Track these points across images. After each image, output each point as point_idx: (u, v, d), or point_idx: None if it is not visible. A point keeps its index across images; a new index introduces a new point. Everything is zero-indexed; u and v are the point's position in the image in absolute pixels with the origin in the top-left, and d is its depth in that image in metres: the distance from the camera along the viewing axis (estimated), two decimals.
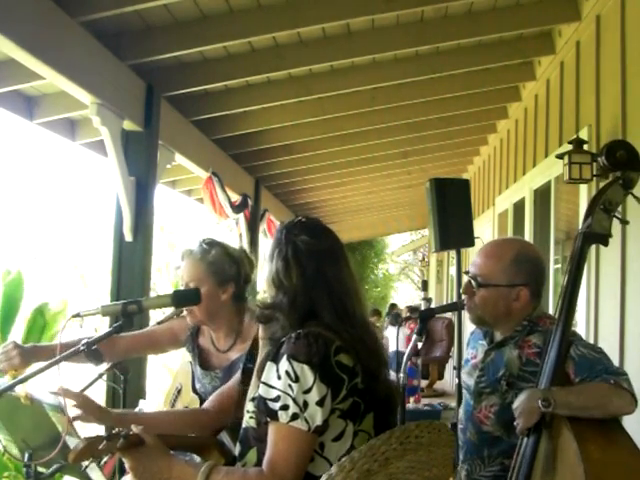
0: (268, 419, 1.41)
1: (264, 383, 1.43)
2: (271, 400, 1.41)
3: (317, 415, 1.37)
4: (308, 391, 1.38)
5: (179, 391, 2.45)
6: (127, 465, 1.49)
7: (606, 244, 1.93)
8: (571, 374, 1.78)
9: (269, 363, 1.44)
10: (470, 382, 2.06)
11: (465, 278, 2.03)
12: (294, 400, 1.37)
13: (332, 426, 1.42)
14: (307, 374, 1.38)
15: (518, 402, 1.75)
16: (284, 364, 1.40)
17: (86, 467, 1.63)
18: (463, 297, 2.04)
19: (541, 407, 1.67)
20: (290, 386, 1.38)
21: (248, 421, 1.52)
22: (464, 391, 2.12)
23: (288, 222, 1.64)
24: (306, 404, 1.37)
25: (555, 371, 1.76)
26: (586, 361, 1.78)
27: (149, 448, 1.49)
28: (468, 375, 2.09)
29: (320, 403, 1.37)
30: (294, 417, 1.37)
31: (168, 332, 2.40)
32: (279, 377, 1.41)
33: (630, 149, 1.98)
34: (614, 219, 1.91)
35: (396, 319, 9.95)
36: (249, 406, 1.53)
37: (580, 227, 1.94)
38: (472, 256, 2.08)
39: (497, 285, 1.94)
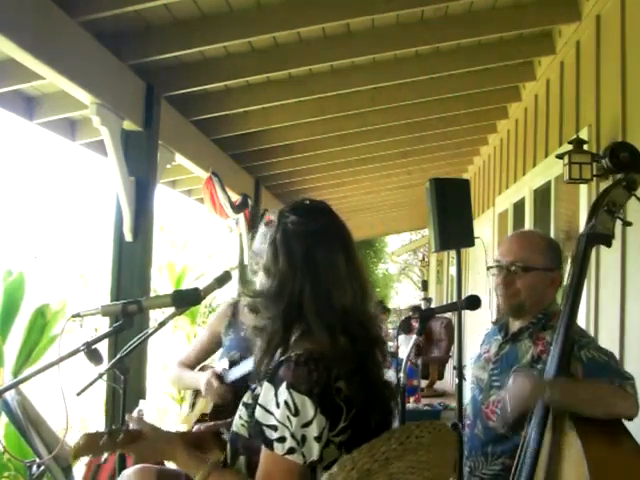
0: (263, 446, 1.35)
1: (261, 406, 1.36)
2: (267, 427, 1.34)
3: (314, 450, 1.32)
4: (307, 425, 1.31)
5: (198, 390, 2.56)
6: (133, 459, 1.50)
7: (609, 245, 1.94)
8: (579, 376, 1.80)
9: (266, 384, 1.36)
10: (483, 376, 2.08)
11: (493, 271, 2.04)
12: (292, 434, 1.31)
13: (326, 457, 1.36)
14: (308, 407, 1.31)
15: (517, 384, 1.75)
16: (283, 393, 1.32)
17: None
18: (497, 290, 2.03)
19: (548, 392, 1.68)
20: (289, 418, 1.31)
21: (239, 427, 1.45)
22: (473, 386, 2.14)
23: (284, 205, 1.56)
24: (304, 439, 1.31)
25: (558, 371, 1.76)
26: (595, 365, 1.80)
27: (150, 441, 1.48)
28: (481, 369, 2.11)
29: (318, 438, 1.32)
30: (291, 451, 1.31)
31: (214, 335, 2.65)
32: (277, 405, 1.33)
33: (633, 151, 1.98)
34: (617, 220, 1.92)
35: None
36: (242, 411, 1.45)
37: (583, 228, 1.95)
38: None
39: (538, 269, 1.98)
